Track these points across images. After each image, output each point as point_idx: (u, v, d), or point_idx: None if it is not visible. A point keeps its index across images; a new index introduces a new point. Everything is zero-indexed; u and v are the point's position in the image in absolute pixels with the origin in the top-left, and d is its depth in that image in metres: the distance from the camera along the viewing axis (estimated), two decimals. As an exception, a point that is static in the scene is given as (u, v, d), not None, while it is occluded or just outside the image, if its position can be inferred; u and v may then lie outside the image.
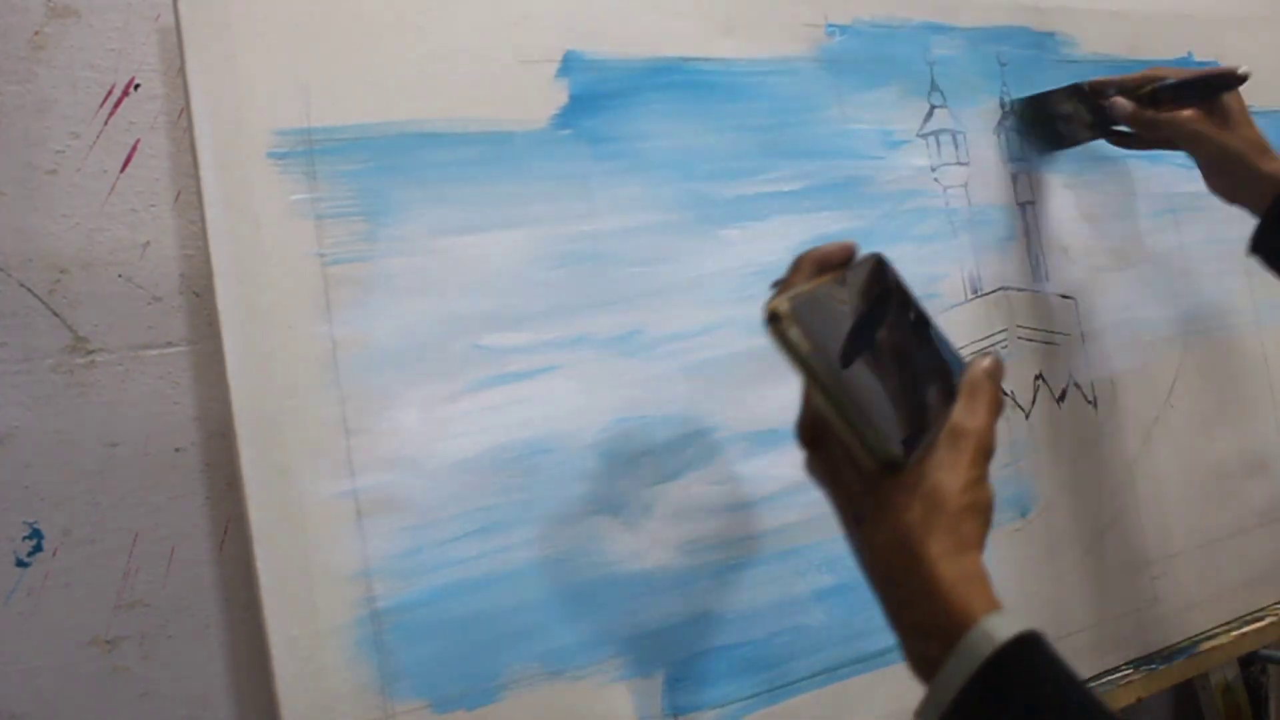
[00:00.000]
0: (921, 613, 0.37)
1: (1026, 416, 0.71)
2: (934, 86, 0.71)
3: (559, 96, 0.58)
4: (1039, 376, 0.72)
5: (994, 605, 0.36)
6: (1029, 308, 0.72)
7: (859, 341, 0.38)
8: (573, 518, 0.55)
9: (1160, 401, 0.77)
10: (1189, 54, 0.84)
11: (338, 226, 0.52)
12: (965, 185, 0.71)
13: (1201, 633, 0.77)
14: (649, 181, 0.59)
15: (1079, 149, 0.76)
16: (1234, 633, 0.78)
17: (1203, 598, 0.77)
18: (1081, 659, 0.71)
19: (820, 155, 0.65)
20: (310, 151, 0.52)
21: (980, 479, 0.39)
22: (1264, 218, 0.66)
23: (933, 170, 0.70)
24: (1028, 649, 0.35)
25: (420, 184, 0.54)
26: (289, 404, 0.50)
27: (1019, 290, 0.72)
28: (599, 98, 0.59)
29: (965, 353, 0.45)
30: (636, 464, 0.57)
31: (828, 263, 0.41)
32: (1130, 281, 0.77)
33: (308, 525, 0.49)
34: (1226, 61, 0.86)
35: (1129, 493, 0.74)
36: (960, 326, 0.69)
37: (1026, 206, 0.74)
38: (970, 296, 0.70)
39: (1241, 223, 0.84)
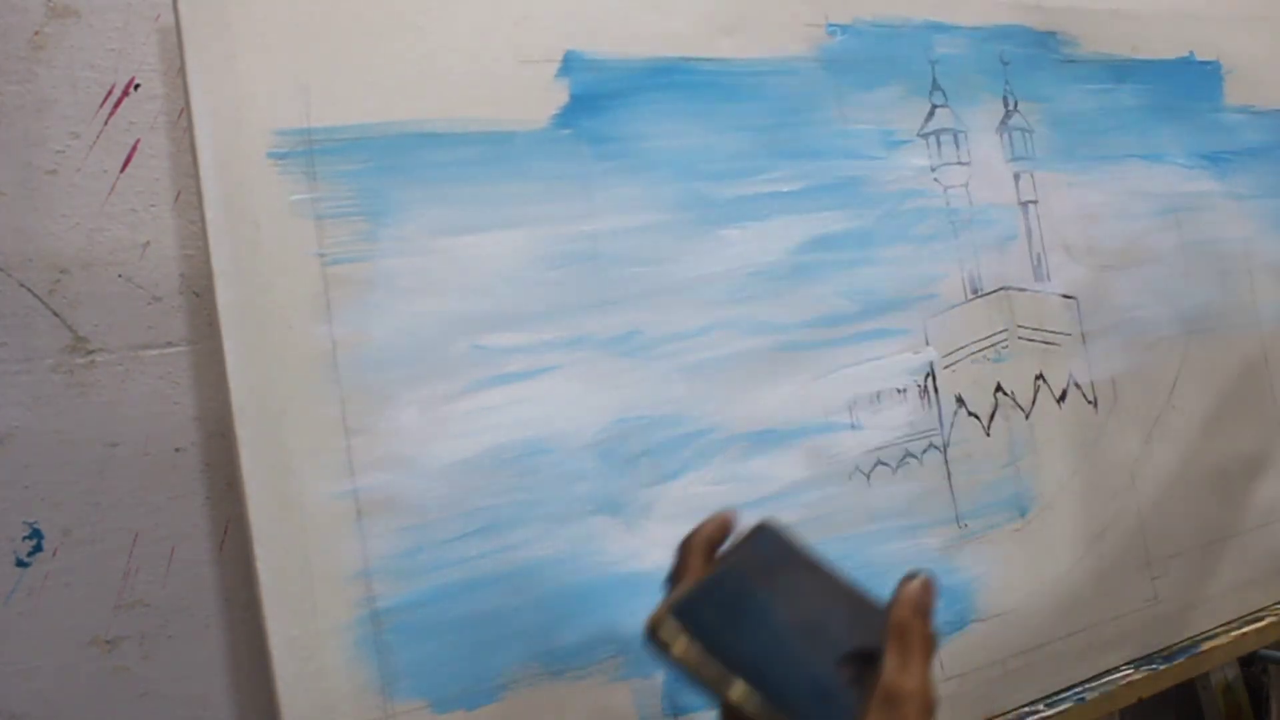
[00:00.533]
0: None
1: (1026, 417, 0.71)
2: (935, 86, 0.71)
3: (559, 96, 0.58)
4: (1039, 377, 0.72)
5: None
6: (1030, 307, 0.72)
7: (766, 613, 0.37)
8: (572, 518, 0.55)
9: (1161, 402, 0.77)
10: (1190, 53, 0.84)
11: (338, 226, 0.52)
12: (966, 185, 0.71)
13: (1202, 633, 0.77)
14: (649, 181, 0.59)
15: (1087, 146, 0.76)
16: (1234, 633, 0.78)
17: (1203, 597, 0.77)
18: (1081, 659, 0.71)
19: (820, 155, 0.65)
20: (310, 151, 0.52)
21: None
22: None
23: (933, 170, 0.70)
24: None
25: (420, 184, 0.54)
26: (289, 404, 0.50)
27: (1020, 290, 0.72)
28: (599, 98, 0.59)
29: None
30: (635, 464, 0.57)
31: (715, 541, 0.40)
32: (1132, 281, 0.77)
33: (307, 525, 0.49)
34: (1228, 60, 0.86)
35: (1129, 493, 0.74)
36: (960, 326, 0.69)
37: (1028, 206, 0.73)
38: (970, 296, 0.69)
39: (1242, 222, 0.84)
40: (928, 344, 0.67)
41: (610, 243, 0.58)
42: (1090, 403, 0.74)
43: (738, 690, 0.35)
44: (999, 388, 0.70)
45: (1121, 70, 0.79)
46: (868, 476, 0.64)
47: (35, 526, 0.47)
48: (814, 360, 0.63)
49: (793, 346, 0.62)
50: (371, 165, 0.53)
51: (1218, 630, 0.78)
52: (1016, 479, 0.70)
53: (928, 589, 0.37)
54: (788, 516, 0.60)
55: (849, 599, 0.40)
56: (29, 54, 0.55)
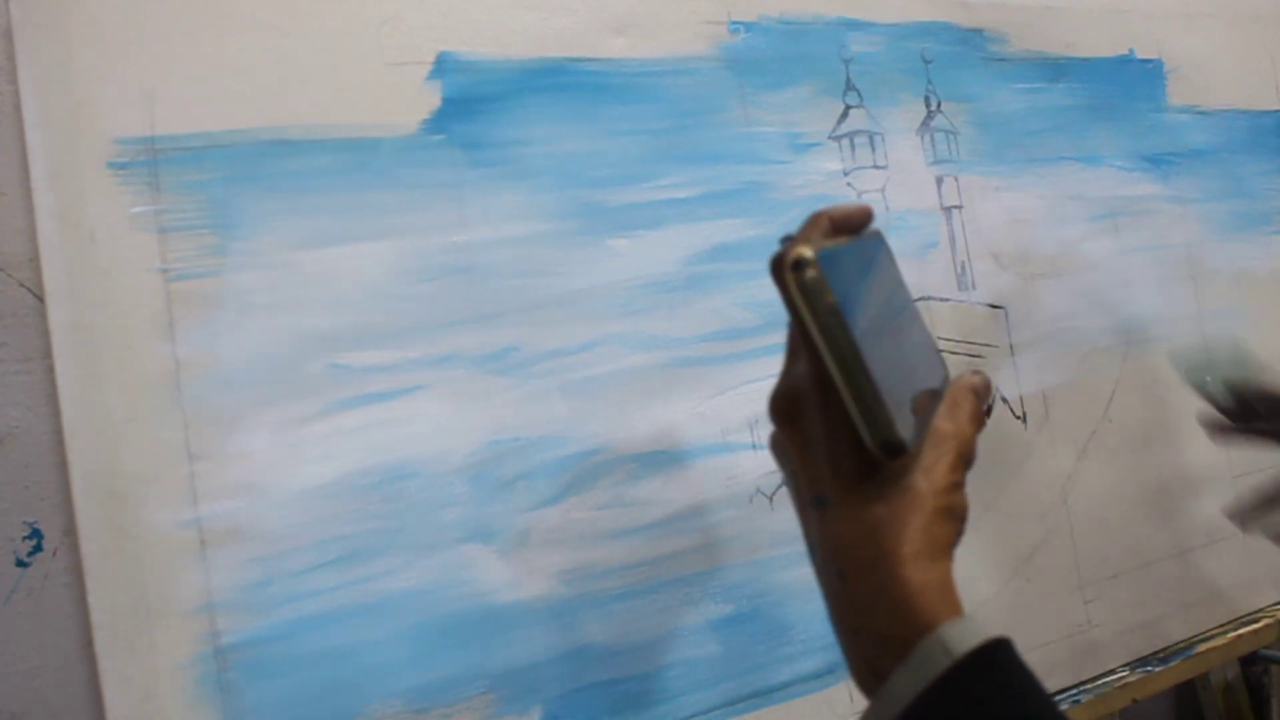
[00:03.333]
0: (879, 617, 0.34)
1: (947, 433, 0.67)
2: (850, 86, 0.67)
3: (431, 100, 0.55)
4: (962, 391, 0.68)
5: (957, 613, 0.34)
6: (952, 318, 0.69)
7: (873, 314, 0.35)
8: (440, 546, 0.52)
9: (1097, 416, 0.74)
10: (1130, 51, 0.81)
11: (183, 240, 0.49)
12: (883, 190, 0.67)
13: (1198, 634, 0.75)
14: (529, 189, 0.56)
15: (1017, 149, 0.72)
16: (1230, 634, 0.77)
17: (1139, 622, 0.73)
18: (1006, 689, 0.67)
19: (719, 160, 0.62)
20: (154, 161, 0.49)
21: (958, 485, 0.36)
22: None
23: (846, 174, 0.66)
24: (987, 663, 0.32)
25: (275, 195, 0.51)
26: (126, 428, 0.47)
27: (942, 300, 0.68)
28: (475, 101, 0.56)
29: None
30: (511, 488, 0.54)
31: (846, 225, 0.39)
32: (1066, 290, 0.74)
33: (144, 556, 0.46)
34: (1171, 59, 0.82)
35: (1060, 513, 0.71)
36: (875, 339, 0.65)
37: (952, 211, 0.70)
38: (886, 307, 0.66)
39: (1185, 227, 0.81)
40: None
41: (486, 254, 0.55)
42: (1018, 418, 0.70)
43: (846, 349, 0.33)
44: (916, 403, 0.67)
45: (1055, 69, 0.76)
46: (770, 499, 0.61)
47: (35, 527, 0.46)
48: (711, 377, 0.60)
49: (687, 362, 0.59)
50: (221, 175, 0.50)
51: (1214, 632, 0.76)
52: (936, 499, 0.66)
53: (986, 383, 0.40)
54: (680, 542, 0.58)
55: (927, 341, 0.40)
56: None
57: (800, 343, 0.36)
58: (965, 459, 0.37)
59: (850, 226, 0.39)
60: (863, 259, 0.37)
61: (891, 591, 0.33)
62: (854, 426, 0.34)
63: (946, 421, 0.37)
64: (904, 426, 0.34)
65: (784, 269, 0.33)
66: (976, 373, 0.40)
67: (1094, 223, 0.76)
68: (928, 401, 0.38)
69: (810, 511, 0.37)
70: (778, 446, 0.39)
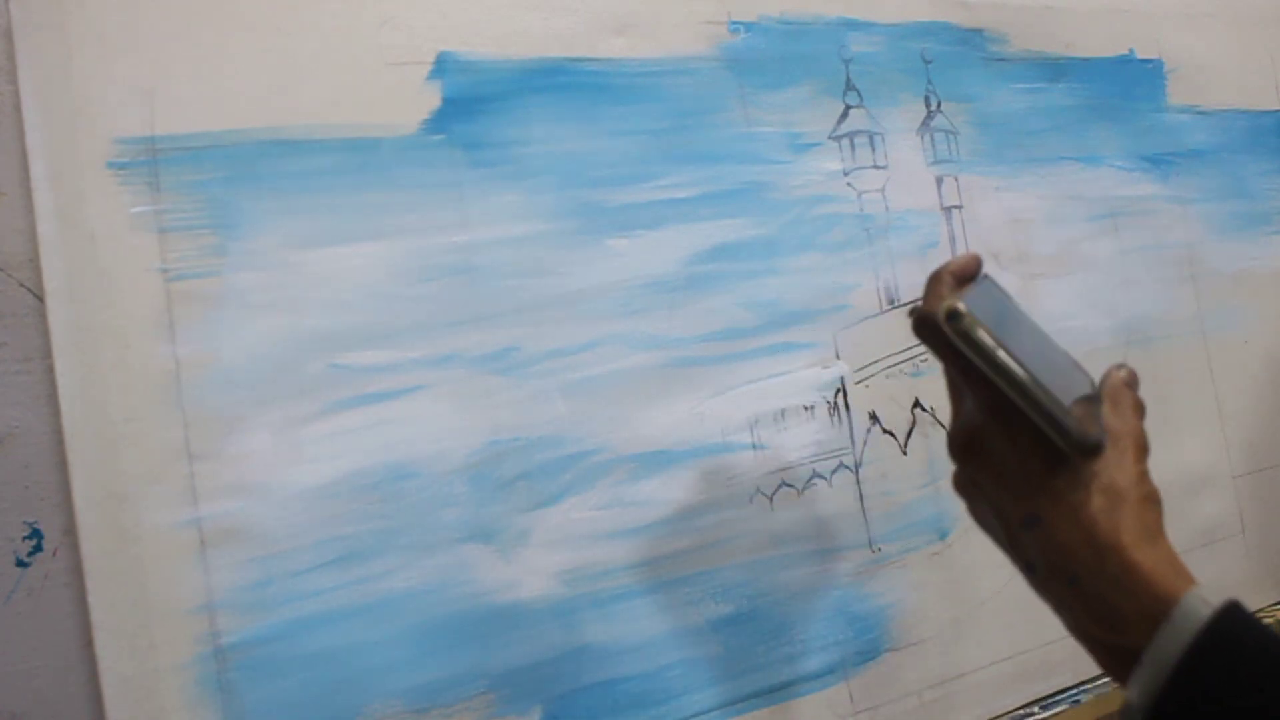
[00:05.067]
0: (1122, 605, 0.36)
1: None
2: (850, 86, 0.67)
3: (431, 100, 0.55)
4: (962, 391, 0.68)
5: (1192, 581, 0.37)
6: (952, 318, 0.69)
7: (1018, 340, 0.38)
8: (440, 546, 0.52)
9: (1097, 416, 0.73)
10: (1130, 51, 0.81)
11: (183, 240, 0.49)
12: (882, 189, 0.67)
13: None
14: (529, 189, 0.56)
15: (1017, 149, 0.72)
16: None
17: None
18: (1005, 690, 0.67)
19: (720, 160, 0.62)
20: (154, 161, 0.49)
21: (1146, 474, 0.39)
22: None
23: (846, 174, 0.66)
24: (1238, 612, 0.35)
25: (275, 195, 0.51)
26: (126, 428, 0.47)
27: (942, 300, 0.68)
28: (475, 101, 0.56)
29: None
30: (511, 489, 0.54)
31: (965, 274, 0.42)
32: (1066, 290, 0.74)
33: (144, 556, 0.46)
34: (1171, 59, 0.82)
35: (1060, 513, 0.70)
36: (875, 339, 0.65)
37: (952, 211, 0.70)
38: (886, 308, 0.66)
39: (1185, 227, 0.81)
40: (838, 358, 0.64)
41: (485, 254, 0.55)
42: (1019, 418, 0.70)
43: (1022, 375, 0.36)
44: (917, 403, 0.67)
45: (1055, 69, 0.76)
46: (770, 499, 0.61)
47: (35, 527, 0.46)
48: (711, 377, 0.60)
49: (687, 362, 0.59)
50: (222, 175, 0.50)
51: None
52: (936, 500, 0.66)
53: (1133, 375, 0.42)
54: (680, 543, 0.58)
55: (1065, 355, 0.42)
56: None
57: (964, 384, 0.40)
58: (1143, 449, 0.40)
59: (969, 275, 0.42)
60: (991, 298, 0.40)
61: (1128, 578, 0.36)
62: (1043, 444, 0.37)
63: (1115, 420, 0.40)
64: (1092, 427, 0.37)
65: (940, 324, 0.36)
66: (1121, 366, 0.42)
67: (1094, 223, 0.76)
68: (1086, 407, 0.39)
69: (1022, 534, 0.39)
70: (966, 485, 0.42)
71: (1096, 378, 0.42)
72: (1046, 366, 0.38)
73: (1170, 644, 0.35)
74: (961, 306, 0.36)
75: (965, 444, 0.41)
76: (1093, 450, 0.37)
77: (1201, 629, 0.35)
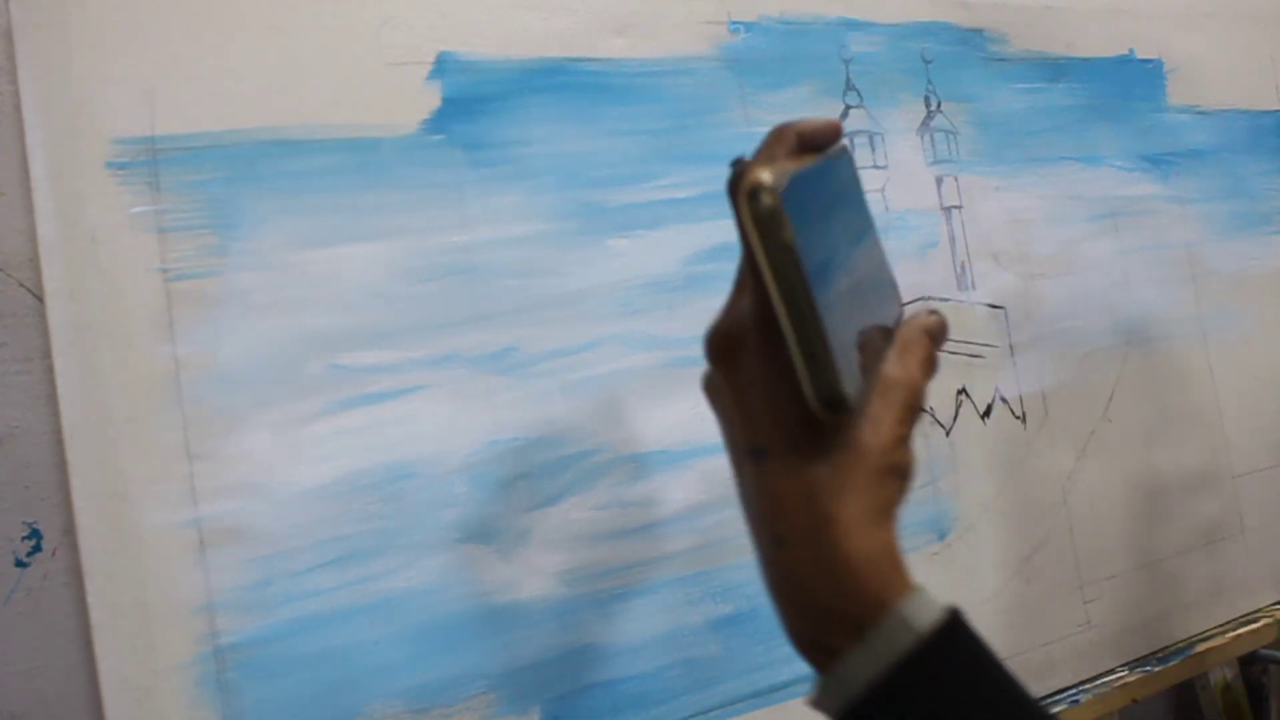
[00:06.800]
0: (823, 592, 0.31)
1: (947, 434, 0.67)
2: (850, 86, 0.67)
3: (431, 100, 0.55)
4: (961, 391, 0.68)
5: (908, 586, 0.31)
6: (952, 318, 0.68)
7: (831, 245, 0.32)
8: (440, 546, 0.52)
9: (1097, 416, 0.73)
10: (1130, 51, 0.81)
11: (183, 240, 0.49)
12: (883, 189, 0.67)
13: (1197, 634, 0.75)
14: (529, 189, 0.56)
15: (1017, 149, 0.72)
16: (1230, 634, 0.76)
17: (1139, 621, 0.73)
18: (1005, 689, 0.67)
19: (720, 160, 0.60)
20: (154, 161, 0.49)
21: (905, 439, 0.33)
22: None
23: (846, 174, 0.66)
24: (949, 638, 0.31)
25: (276, 195, 0.51)
26: (126, 428, 0.47)
27: (941, 300, 0.68)
28: (475, 101, 0.56)
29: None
30: (511, 488, 0.54)
31: (814, 141, 0.34)
32: (1066, 290, 0.74)
33: (144, 556, 0.46)
34: (1171, 59, 0.82)
35: (1060, 513, 0.71)
36: (875, 339, 0.65)
37: (952, 211, 0.70)
38: (886, 307, 0.66)
39: (1185, 227, 0.81)
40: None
41: (485, 254, 0.55)
42: (1018, 418, 0.70)
43: (797, 288, 0.29)
44: (916, 403, 0.67)
45: (1055, 69, 0.76)
46: (770, 499, 0.61)
47: (35, 527, 0.46)
48: (711, 376, 0.60)
49: (687, 362, 0.59)
50: (222, 175, 0.50)
51: (1213, 632, 0.76)
52: (935, 499, 0.66)
53: (942, 325, 0.36)
54: (680, 543, 0.58)
55: (883, 271, 0.36)
56: None
57: (749, 276, 0.33)
58: (914, 410, 0.34)
59: (818, 143, 0.35)
60: (826, 182, 0.34)
61: (837, 565, 0.31)
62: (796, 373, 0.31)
63: (896, 367, 0.34)
64: (850, 379, 0.31)
65: (739, 195, 0.29)
66: (933, 312, 0.36)
67: (1094, 223, 0.76)
68: (879, 340, 0.35)
69: (746, 462, 0.34)
70: (712, 388, 0.36)
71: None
72: (845, 284, 0.33)
73: (863, 666, 0.30)
74: (769, 181, 0.29)
75: (723, 345, 0.35)
76: (834, 405, 0.30)
77: (901, 657, 0.30)
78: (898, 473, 0.33)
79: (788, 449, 0.32)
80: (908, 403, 0.33)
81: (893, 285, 0.38)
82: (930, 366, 0.35)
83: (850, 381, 0.31)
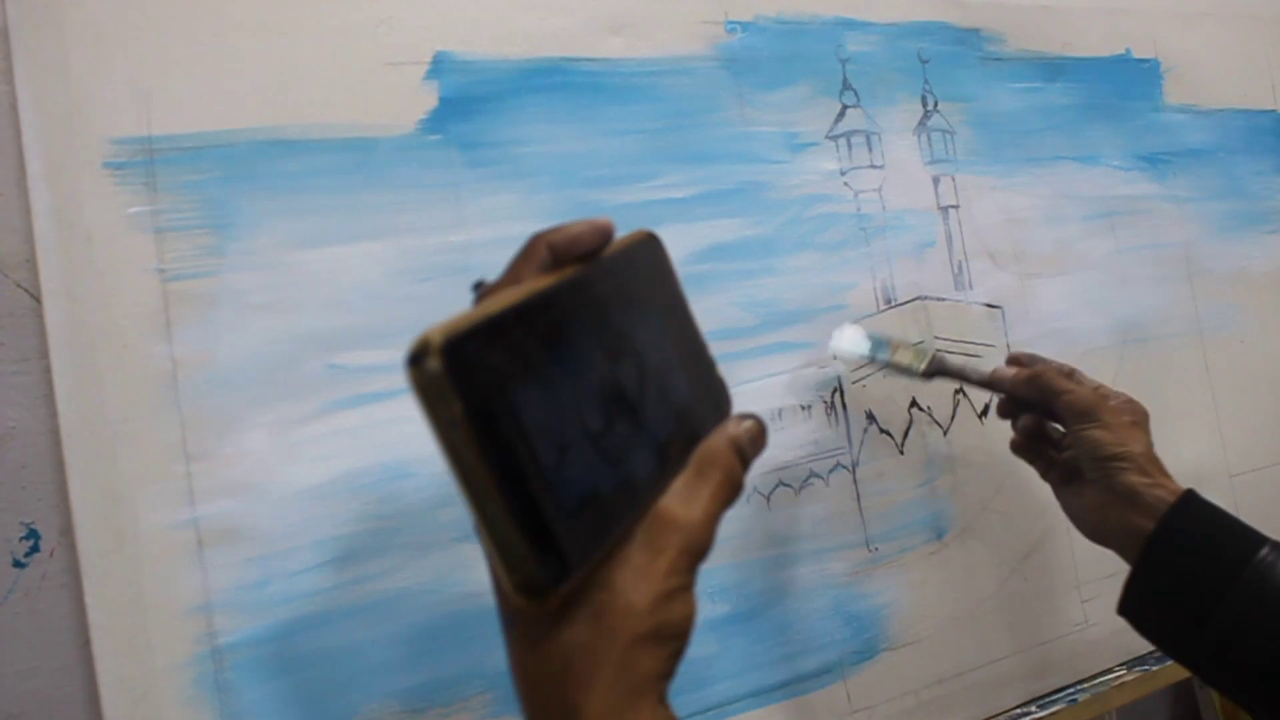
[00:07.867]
0: None
1: (945, 433, 0.67)
2: (846, 85, 0.67)
3: (428, 100, 0.55)
4: (959, 391, 0.68)
5: None
6: (949, 318, 0.69)
7: (589, 375, 0.27)
8: (437, 546, 0.52)
9: (1094, 415, 0.73)
10: (1127, 50, 0.81)
11: (180, 240, 0.49)
12: (880, 189, 0.67)
13: None
14: (526, 189, 0.56)
15: (1014, 148, 0.72)
16: None
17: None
18: (1003, 688, 0.67)
19: (716, 159, 0.62)
20: (151, 161, 0.49)
21: (678, 590, 0.28)
22: (1129, 579, 0.55)
23: (843, 174, 0.66)
24: None
25: (272, 195, 0.51)
26: (123, 428, 0.47)
27: (938, 300, 0.68)
28: (472, 101, 0.56)
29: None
30: (508, 488, 0.54)
31: (572, 251, 0.30)
32: (1063, 289, 0.74)
33: (142, 556, 0.46)
34: (1167, 58, 0.82)
35: (1057, 512, 0.70)
36: (872, 339, 0.65)
37: (949, 211, 0.70)
38: (883, 307, 0.66)
39: (1182, 226, 0.81)
40: (835, 358, 0.64)
41: (483, 254, 0.55)
42: (1016, 417, 0.70)
43: (481, 479, 0.24)
44: (914, 403, 0.67)
45: (1052, 68, 0.76)
46: (767, 498, 0.61)
47: (32, 527, 0.46)
48: (708, 376, 0.60)
49: (684, 362, 0.59)
50: (218, 175, 0.50)
51: None
52: (933, 499, 0.66)
53: (756, 434, 0.31)
54: (677, 541, 0.58)
55: (699, 364, 0.31)
56: None
57: None
58: (692, 555, 0.29)
59: (580, 251, 0.30)
60: (583, 297, 0.29)
61: None
62: None
63: (675, 501, 0.29)
64: (574, 541, 0.25)
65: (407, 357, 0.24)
66: (748, 416, 0.31)
67: (1091, 222, 0.76)
68: (676, 456, 0.30)
69: (506, 631, 0.30)
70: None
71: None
72: (634, 401, 0.27)
73: None
74: (437, 340, 0.24)
75: None
76: (531, 593, 0.25)
77: None
78: (662, 637, 0.28)
79: (530, 619, 0.28)
80: (684, 546, 0.28)
81: (719, 383, 0.33)
82: (730, 491, 0.30)
83: (574, 545, 0.26)
